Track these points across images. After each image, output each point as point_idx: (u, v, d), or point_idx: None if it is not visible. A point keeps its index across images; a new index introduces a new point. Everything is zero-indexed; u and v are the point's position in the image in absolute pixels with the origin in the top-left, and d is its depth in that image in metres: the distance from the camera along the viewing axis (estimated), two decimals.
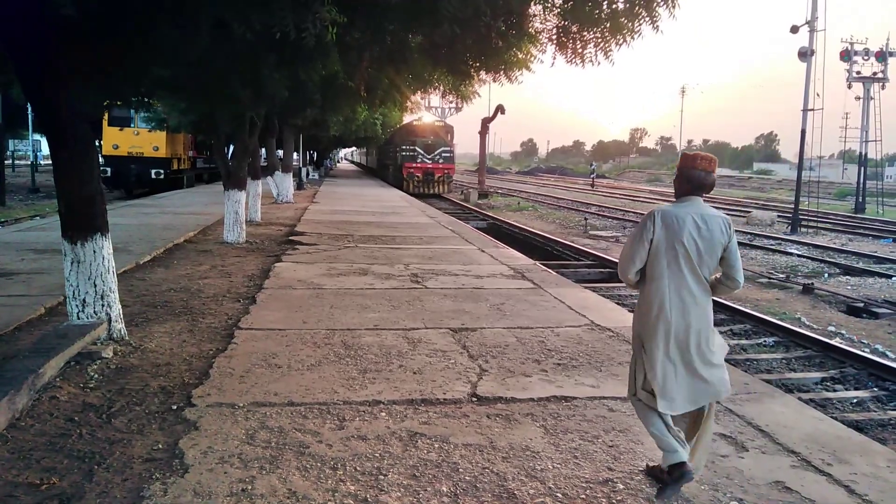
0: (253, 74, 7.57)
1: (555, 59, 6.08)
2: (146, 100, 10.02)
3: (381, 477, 3.54)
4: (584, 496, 3.47)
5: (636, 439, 4.18)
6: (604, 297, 9.13)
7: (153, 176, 26.72)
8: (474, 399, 4.75)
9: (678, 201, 3.51)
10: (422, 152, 35.11)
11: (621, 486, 3.58)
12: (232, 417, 4.21)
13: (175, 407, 4.36)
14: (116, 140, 26.61)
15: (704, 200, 3.52)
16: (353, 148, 79.78)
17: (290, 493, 3.32)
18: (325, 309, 7.22)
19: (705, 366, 3.41)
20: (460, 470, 3.67)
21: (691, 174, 3.46)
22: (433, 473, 3.62)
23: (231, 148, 15.38)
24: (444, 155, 35.67)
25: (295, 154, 30.42)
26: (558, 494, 3.46)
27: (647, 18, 5.20)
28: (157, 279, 8.54)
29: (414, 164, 34.94)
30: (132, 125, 26.27)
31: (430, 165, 35.12)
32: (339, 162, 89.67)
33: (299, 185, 30.08)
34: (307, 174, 39.57)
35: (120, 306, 5.80)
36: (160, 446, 3.79)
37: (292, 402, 4.52)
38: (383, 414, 4.40)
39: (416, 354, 5.71)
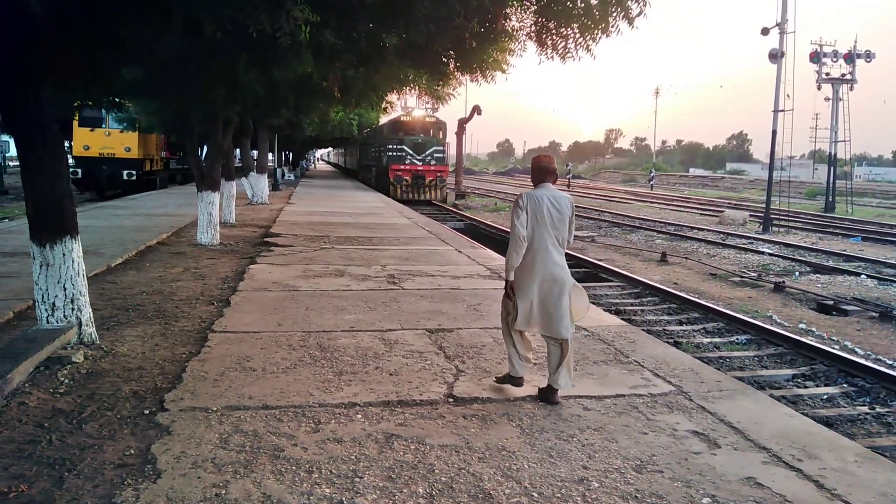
0: (226, 74, 7.50)
1: (540, 58, 6.11)
2: (118, 100, 9.88)
3: (357, 479, 3.53)
4: (559, 495, 3.48)
5: (611, 438, 4.22)
6: None
7: (125, 177, 26.31)
8: (451, 400, 4.75)
9: (537, 187, 4.77)
10: (411, 152, 30.53)
11: (596, 485, 3.61)
12: (205, 422, 4.16)
13: (147, 412, 4.30)
14: (87, 141, 26.17)
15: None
16: (330, 148, 79.33)
17: (264, 498, 3.30)
18: (301, 311, 7.17)
19: (558, 305, 4.64)
20: (436, 471, 3.67)
21: (542, 167, 4.79)
22: (409, 475, 3.61)
23: (204, 148, 15.22)
24: (436, 156, 31.23)
25: (270, 154, 30.26)
26: (534, 494, 3.48)
27: (620, 12, 5.25)
28: (129, 282, 8.42)
29: (402, 167, 30.44)
30: (103, 126, 25.87)
31: (421, 168, 30.72)
32: (315, 163, 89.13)
33: (275, 186, 29.90)
34: (283, 175, 39.30)
35: (90, 310, 5.71)
36: (132, 452, 3.73)
37: (267, 405, 4.49)
38: (359, 416, 4.39)
39: (392, 356, 5.70)
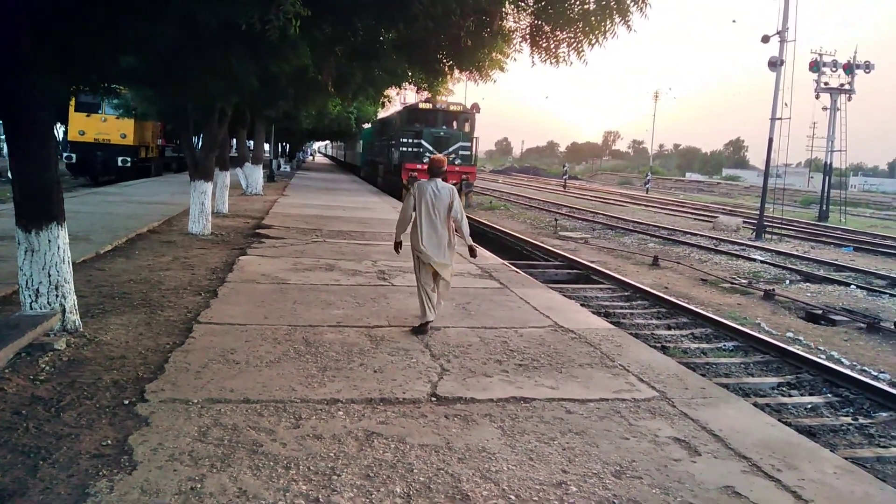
0: (223, 65, 7.46)
1: (533, 60, 6.10)
2: (113, 87, 9.82)
3: (335, 477, 3.51)
4: (536, 498, 3.48)
5: (591, 442, 4.22)
6: (569, 298, 9.20)
7: (120, 164, 26.20)
8: (433, 399, 4.74)
9: (428, 180, 6.57)
10: (430, 148, 24.20)
11: (574, 489, 3.60)
12: (185, 414, 4.14)
13: (127, 402, 4.27)
14: (83, 126, 26.04)
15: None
16: (327, 141, 79.13)
17: (240, 493, 3.28)
18: (288, 304, 7.15)
19: (441, 262, 6.44)
20: (415, 471, 3.66)
21: (434, 167, 6.67)
22: (387, 474, 3.60)
23: (200, 138, 15.17)
24: (462, 153, 24.85)
25: (266, 146, 30.15)
26: (512, 496, 3.47)
27: (619, 18, 5.23)
28: (116, 270, 8.37)
29: (418, 166, 23.79)
30: (99, 111, 25.72)
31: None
32: (312, 155, 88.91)
33: (270, 178, 29.79)
34: (278, 167, 39.22)
35: (75, 297, 5.67)
36: (109, 442, 3.71)
37: (248, 399, 4.47)
38: (341, 413, 4.37)
39: (378, 353, 5.69)
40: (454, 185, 22.55)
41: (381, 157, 31.05)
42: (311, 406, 4.44)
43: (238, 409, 4.28)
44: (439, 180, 6.60)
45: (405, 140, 25.14)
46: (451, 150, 24.41)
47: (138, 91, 12.20)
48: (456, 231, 6.63)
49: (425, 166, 22.31)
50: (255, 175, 22.75)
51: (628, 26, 5.29)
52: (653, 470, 3.89)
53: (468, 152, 25.24)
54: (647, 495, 3.59)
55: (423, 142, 24.66)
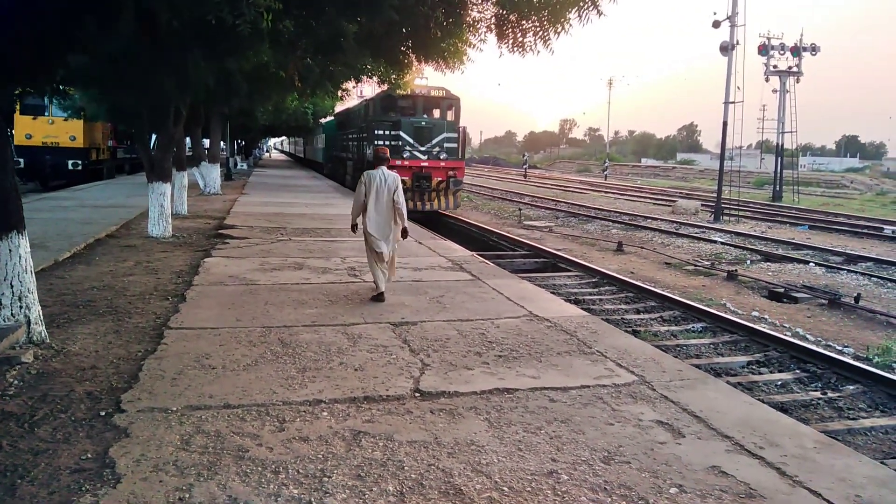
0: (178, 64, 7.26)
1: (501, 51, 6.07)
2: (62, 88, 9.47)
3: (326, 479, 3.46)
4: (529, 489, 3.48)
5: (578, 429, 4.24)
6: (540, 286, 9.24)
7: (70, 167, 25.36)
8: (417, 394, 4.71)
9: (375, 169, 7.49)
10: (410, 141, 20.60)
11: (565, 477, 3.62)
12: (165, 422, 4.03)
13: (103, 413, 4.14)
14: (29, 129, 25.13)
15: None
16: (283, 137, 77.94)
17: (230, 500, 3.20)
18: (260, 306, 7.02)
19: (386, 241, 7.43)
20: (406, 468, 3.63)
21: (378, 156, 7.65)
22: (378, 473, 3.56)
23: (154, 137, 14.77)
24: (447, 146, 21.03)
25: (222, 144, 29.54)
26: (504, 488, 3.47)
27: (591, 5, 5.23)
28: (78, 277, 8.11)
29: (397, 162, 19.86)
30: (46, 114, 24.85)
31: (426, 163, 20.63)
32: (268, 152, 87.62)
33: (227, 176, 29.27)
34: (235, 165, 38.56)
35: (39, 307, 5.48)
36: (89, 455, 3.59)
37: (229, 404, 4.37)
38: (325, 413, 4.31)
39: (356, 350, 5.62)
40: (439, 182, 19.35)
41: (350, 153, 27.33)
42: (294, 408, 4.37)
43: (219, 415, 4.19)
44: (385, 168, 7.53)
45: (381, 132, 21.36)
46: (434, 142, 20.78)
47: (87, 92, 11.82)
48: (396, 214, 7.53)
49: (406, 162, 19.23)
50: (212, 174, 22.32)
51: (599, 12, 5.30)
52: (640, 454, 3.93)
53: (454, 144, 21.29)
54: (637, 479, 3.62)
55: (402, 133, 20.66)
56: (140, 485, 3.29)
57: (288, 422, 4.15)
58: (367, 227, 7.42)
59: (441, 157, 20.71)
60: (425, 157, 20.53)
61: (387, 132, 21.10)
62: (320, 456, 3.71)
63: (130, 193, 19.38)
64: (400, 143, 20.42)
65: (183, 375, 4.84)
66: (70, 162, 25.38)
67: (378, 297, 7.45)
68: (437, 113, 22.11)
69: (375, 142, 20.88)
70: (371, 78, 9.89)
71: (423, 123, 21.12)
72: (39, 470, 3.42)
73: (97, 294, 7.28)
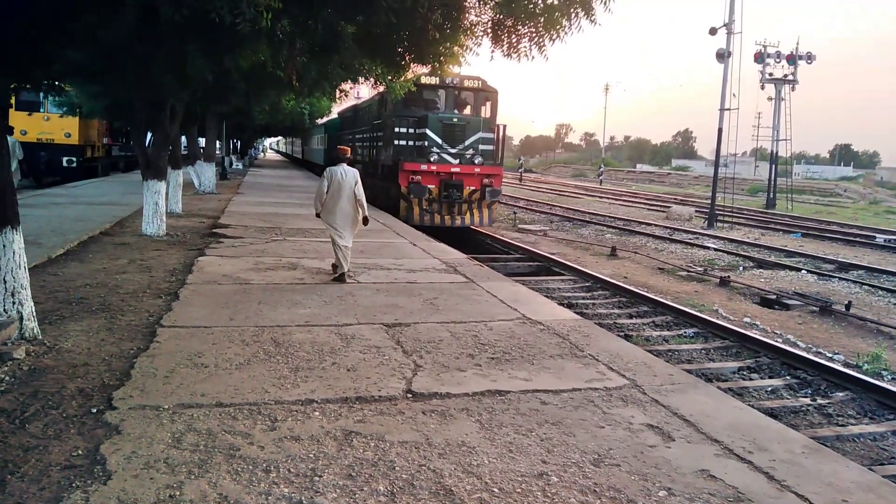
0: (177, 60, 7.25)
1: (492, 55, 6.10)
2: (57, 83, 9.46)
3: (317, 478, 3.47)
4: (520, 490, 3.50)
5: (568, 432, 4.26)
6: (534, 290, 9.26)
7: (65, 164, 25.27)
8: (409, 395, 4.72)
9: (336, 165, 8.57)
10: (438, 141, 17.18)
11: (555, 479, 3.63)
12: (156, 420, 4.03)
13: (95, 410, 4.14)
14: (24, 125, 24.99)
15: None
16: (279, 137, 77.83)
17: (221, 498, 3.21)
18: (253, 305, 7.02)
19: (348, 231, 8.51)
20: (397, 468, 3.64)
21: (339, 155, 8.83)
22: (370, 473, 3.57)
23: (150, 135, 14.75)
24: (482, 149, 17.55)
25: (218, 143, 29.49)
26: (495, 489, 3.48)
27: (583, 12, 5.26)
28: (71, 274, 8.09)
29: (423, 167, 17.02)
30: (41, 110, 24.75)
31: (457, 168, 17.20)
32: (264, 152, 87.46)
33: (223, 176, 29.20)
34: (231, 164, 38.48)
35: (32, 304, 5.46)
36: (80, 452, 3.58)
37: (221, 402, 4.37)
38: (317, 413, 4.32)
39: (349, 351, 5.63)
40: (472, 191, 17.00)
41: (358, 156, 23.61)
42: (286, 407, 4.38)
43: (211, 414, 4.19)
44: (345, 165, 8.61)
45: (402, 130, 17.76)
46: (468, 143, 17.34)
47: (83, 87, 11.79)
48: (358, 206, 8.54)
49: (434, 167, 16.68)
50: (207, 173, 22.28)
51: (592, 21, 5.33)
52: (630, 457, 3.95)
53: (491, 146, 17.91)
54: (626, 482, 3.65)
55: (428, 132, 17.12)
56: (131, 482, 3.29)
57: (280, 421, 4.16)
58: (331, 219, 8.52)
59: (476, 161, 17.30)
60: (456, 161, 17.20)
61: (410, 130, 17.74)
62: (311, 455, 3.72)
63: (125, 191, 19.33)
64: (426, 143, 17.14)
65: (175, 373, 4.84)
66: (65, 159, 25.29)
67: (340, 278, 8.39)
68: (470, 108, 18.68)
69: (397, 142, 17.86)
70: (368, 79, 9.88)
71: (455, 120, 17.55)
72: (30, 466, 3.42)
73: (90, 291, 7.26)
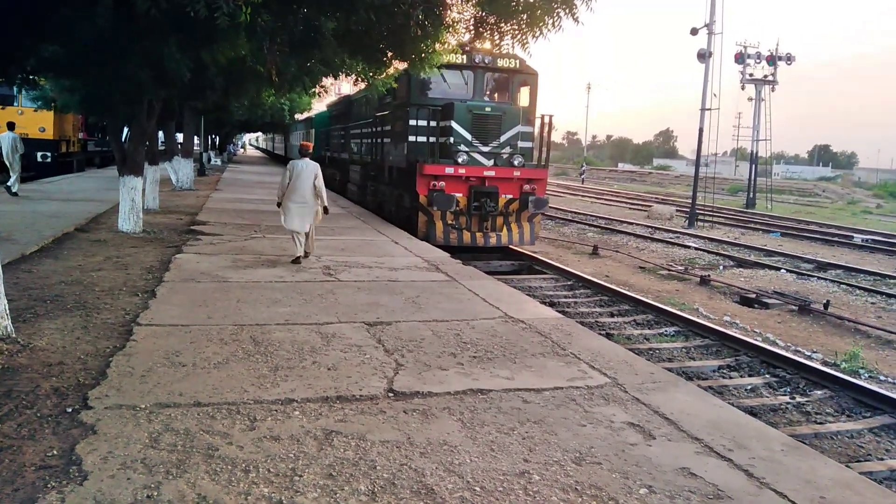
0: (155, 55, 7.14)
1: (470, 49, 6.07)
2: (32, 77, 9.28)
3: (297, 478, 3.42)
4: (501, 489, 3.48)
5: (550, 430, 4.25)
6: (516, 288, 9.27)
7: (39, 159, 24.84)
8: (391, 394, 4.69)
9: (299, 159, 9.39)
10: (467, 136, 13.55)
11: (537, 478, 3.62)
12: (133, 420, 3.96)
13: (70, 409, 4.06)
14: None
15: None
16: (259, 133, 77.16)
17: (199, 499, 3.16)
18: (232, 303, 6.94)
19: (305, 218, 9.36)
20: (378, 467, 3.61)
21: (303, 150, 9.60)
22: (350, 472, 3.53)
23: (126, 130, 14.54)
24: (521, 146, 14.05)
25: (196, 139, 29.15)
26: (476, 488, 3.46)
27: (566, 13, 5.26)
28: (45, 271, 7.95)
29: (448, 170, 13.36)
30: (15, 104, 24.35)
31: (491, 171, 13.64)
32: (243, 148, 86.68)
33: (201, 172, 28.88)
34: (209, 160, 38.11)
35: (6, 301, 5.35)
36: (55, 452, 3.51)
37: (199, 402, 4.31)
38: (297, 413, 4.27)
39: (330, 350, 5.58)
40: (510, 201, 13.53)
41: (357, 154, 20.34)
42: (266, 407, 4.32)
43: (189, 413, 4.13)
44: (307, 159, 9.40)
45: (419, 124, 13.78)
46: (504, 140, 13.72)
47: (59, 82, 11.59)
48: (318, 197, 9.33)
49: (462, 170, 12.97)
50: (185, 169, 22.03)
51: (575, 19, 5.32)
52: (611, 455, 3.96)
53: (530, 143, 14.45)
54: (607, 480, 3.65)
55: (454, 125, 13.47)
56: (107, 482, 3.23)
57: (259, 421, 4.10)
58: (286, 208, 9.35)
59: (514, 163, 13.66)
60: (490, 162, 13.66)
61: (430, 123, 13.67)
62: (291, 455, 3.68)
63: (101, 187, 19.07)
64: (452, 139, 13.45)
65: (152, 372, 4.76)
66: (39, 154, 24.86)
67: (296, 261, 9.36)
68: (508, 94, 14.75)
69: (413, 137, 13.93)
70: (349, 75, 9.82)
71: (489, 110, 13.70)
72: (3, 466, 3.34)
73: (65, 289, 7.13)
